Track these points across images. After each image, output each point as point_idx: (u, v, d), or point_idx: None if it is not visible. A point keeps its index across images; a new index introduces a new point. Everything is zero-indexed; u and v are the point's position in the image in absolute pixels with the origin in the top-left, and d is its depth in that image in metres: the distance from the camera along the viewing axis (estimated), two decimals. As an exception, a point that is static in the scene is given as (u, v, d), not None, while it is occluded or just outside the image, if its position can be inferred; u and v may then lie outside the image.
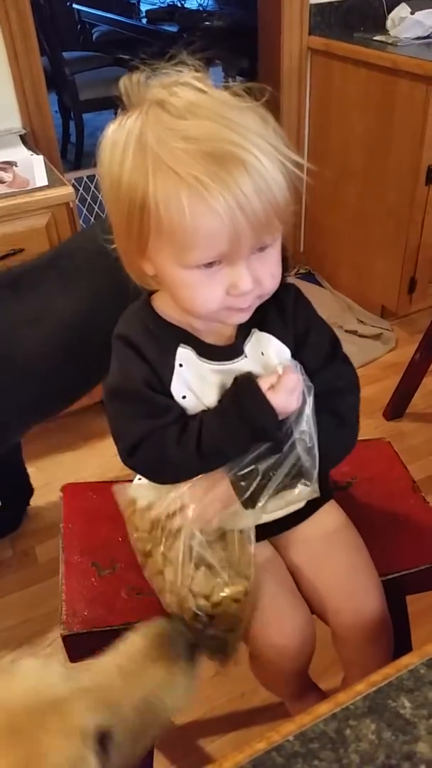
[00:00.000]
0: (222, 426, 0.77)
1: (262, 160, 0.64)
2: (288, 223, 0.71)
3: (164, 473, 0.83)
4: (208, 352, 0.79)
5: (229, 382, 0.80)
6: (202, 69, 0.69)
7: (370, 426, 1.94)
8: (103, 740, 0.53)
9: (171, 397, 0.79)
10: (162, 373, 0.79)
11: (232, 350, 0.80)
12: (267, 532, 0.89)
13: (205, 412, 0.79)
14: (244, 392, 0.77)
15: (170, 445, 0.78)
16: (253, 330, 0.80)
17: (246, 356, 0.80)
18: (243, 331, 0.80)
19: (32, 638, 1.48)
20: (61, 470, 1.85)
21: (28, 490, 1.71)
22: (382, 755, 0.49)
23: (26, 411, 1.32)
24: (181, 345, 0.79)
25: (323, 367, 0.83)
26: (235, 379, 0.78)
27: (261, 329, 0.81)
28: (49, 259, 1.37)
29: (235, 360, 0.80)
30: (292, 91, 2.42)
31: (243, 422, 0.76)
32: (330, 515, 0.96)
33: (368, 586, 0.90)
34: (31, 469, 1.85)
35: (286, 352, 0.82)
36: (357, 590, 0.89)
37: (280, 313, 0.81)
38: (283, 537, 0.93)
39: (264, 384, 0.76)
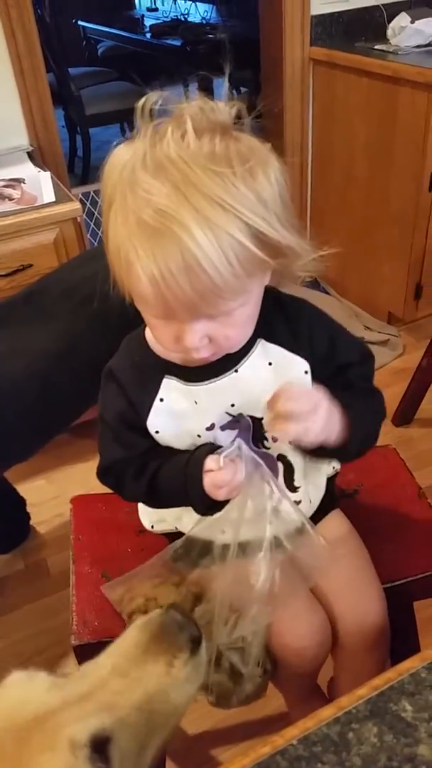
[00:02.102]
0: (170, 480, 0.81)
1: (204, 243, 0.61)
2: (247, 291, 0.68)
3: (125, 499, 0.91)
4: (194, 375, 0.80)
5: (222, 400, 0.80)
6: (209, 103, 0.66)
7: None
8: (102, 747, 0.49)
9: (146, 429, 0.83)
10: (140, 409, 0.82)
11: (221, 366, 0.79)
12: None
13: (165, 461, 0.82)
14: (192, 462, 0.78)
15: (126, 482, 0.85)
16: (258, 340, 0.80)
17: (236, 371, 0.80)
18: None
19: (44, 650, 1.49)
20: (71, 482, 1.87)
21: (21, 502, 1.72)
22: (384, 758, 0.49)
23: (4, 446, 1.31)
24: (166, 376, 0.81)
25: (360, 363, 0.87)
26: (198, 447, 0.80)
27: (268, 340, 0.81)
28: (23, 296, 1.38)
29: (225, 375, 0.80)
30: (295, 101, 2.44)
31: (183, 487, 0.79)
32: (334, 523, 0.96)
33: (371, 595, 0.90)
34: (41, 482, 1.87)
35: (301, 364, 0.81)
36: (359, 599, 0.90)
37: (290, 326, 0.81)
38: None
39: (207, 464, 0.77)
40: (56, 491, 1.83)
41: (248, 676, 0.86)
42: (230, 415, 0.82)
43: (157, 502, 0.89)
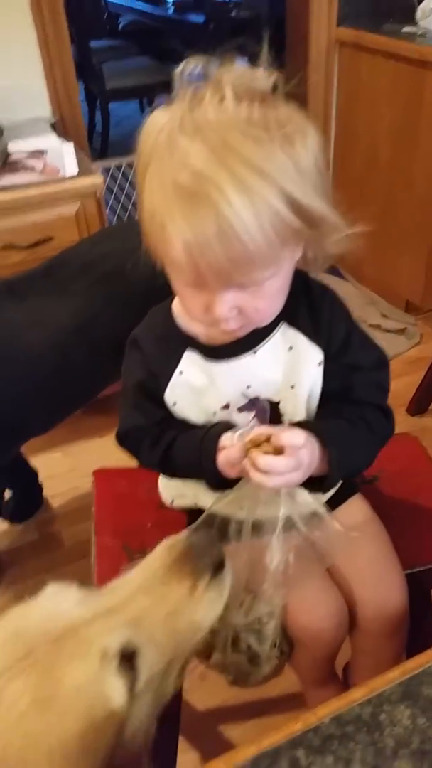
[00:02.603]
0: (185, 453, 0.81)
1: (240, 208, 0.60)
2: (280, 261, 0.68)
3: (142, 465, 0.91)
4: (214, 352, 0.80)
5: (238, 381, 0.80)
6: (248, 70, 0.65)
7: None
8: (130, 658, 0.52)
9: (164, 400, 0.83)
10: (159, 380, 0.82)
11: (241, 346, 0.79)
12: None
13: (180, 433, 0.82)
14: (207, 438, 0.79)
15: (143, 449, 0.86)
16: (281, 323, 0.80)
17: (255, 353, 0.79)
18: (265, 325, 0.78)
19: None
20: (88, 456, 1.87)
21: (33, 473, 1.73)
22: (417, 740, 0.50)
23: (30, 413, 1.32)
24: (188, 349, 0.81)
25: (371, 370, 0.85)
26: (215, 424, 0.81)
27: (290, 324, 0.80)
28: (42, 270, 1.38)
29: (243, 355, 0.80)
30: (319, 83, 2.41)
31: (198, 460, 0.79)
32: (356, 507, 0.97)
33: (393, 579, 0.90)
34: (58, 455, 1.88)
35: (317, 355, 0.81)
36: (381, 583, 0.90)
37: (312, 314, 0.80)
38: None
39: (222, 441, 0.77)
40: (72, 464, 1.84)
41: (265, 657, 0.87)
42: (247, 397, 0.83)
43: (172, 471, 0.89)
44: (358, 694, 0.53)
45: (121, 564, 0.94)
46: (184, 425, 0.84)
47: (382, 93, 2.22)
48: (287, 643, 0.89)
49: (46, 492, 1.77)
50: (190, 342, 0.81)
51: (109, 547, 0.98)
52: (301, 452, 0.72)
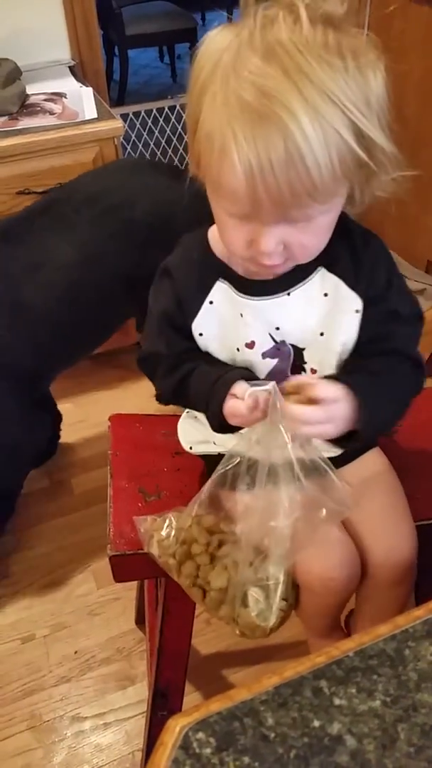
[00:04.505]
0: (198, 390, 0.81)
1: (310, 132, 0.58)
2: (337, 195, 0.66)
3: (156, 388, 0.93)
4: (247, 287, 0.79)
5: (268, 321, 0.79)
6: None
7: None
8: None
9: (190, 330, 0.82)
10: (188, 309, 0.81)
11: (274, 285, 0.78)
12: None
13: (199, 368, 0.82)
14: (221, 380, 0.78)
15: (159, 374, 0.87)
16: (318, 268, 0.78)
17: (288, 295, 0.78)
18: (302, 268, 0.76)
19: (65, 564, 1.52)
20: (97, 408, 1.88)
21: (58, 417, 1.73)
22: (441, 675, 0.50)
23: (49, 356, 1.33)
24: (220, 279, 0.79)
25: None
26: (233, 368, 0.80)
27: (329, 270, 0.78)
28: (40, 207, 1.36)
29: (275, 296, 0.78)
30: (349, 32, 2.33)
31: (207, 399, 0.79)
32: (371, 459, 0.96)
33: (402, 529, 0.90)
34: (68, 405, 1.88)
35: (355, 302, 0.79)
36: (391, 532, 0.90)
37: (354, 260, 0.78)
38: None
39: (234, 387, 0.76)
40: (81, 415, 1.85)
41: (273, 611, 0.87)
42: (273, 340, 0.81)
43: (182, 401, 0.90)
44: (383, 630, 0.52)
45: (136, 505, 0.95)
46: (205, 359, 0.84)
47: (413, 44, 2.14)
48: (294, 595, 0.89)
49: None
50: (223, 272, 0.79)
51: (125, 488, 0.98)
52: (335, 406, 0.72)
